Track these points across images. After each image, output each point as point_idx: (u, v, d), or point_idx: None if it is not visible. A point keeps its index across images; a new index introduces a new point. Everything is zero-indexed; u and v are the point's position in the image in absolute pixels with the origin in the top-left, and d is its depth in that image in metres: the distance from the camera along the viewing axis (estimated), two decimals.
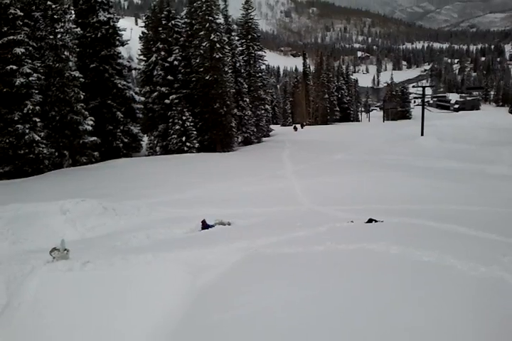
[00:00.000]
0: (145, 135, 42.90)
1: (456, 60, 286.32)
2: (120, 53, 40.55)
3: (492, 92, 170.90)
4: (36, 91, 29.94)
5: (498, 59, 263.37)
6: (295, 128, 70.33)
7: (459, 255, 7.34)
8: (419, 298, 6.06)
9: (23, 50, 28.91)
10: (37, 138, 29.04)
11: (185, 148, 38.41)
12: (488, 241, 9.29)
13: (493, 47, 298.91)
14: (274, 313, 6.11)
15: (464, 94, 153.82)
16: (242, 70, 50.55)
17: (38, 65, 31.00)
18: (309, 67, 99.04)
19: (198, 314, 6.56)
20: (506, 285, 6.25)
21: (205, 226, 13.88)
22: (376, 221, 12.10)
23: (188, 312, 6.65)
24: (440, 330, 5.17)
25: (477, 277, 6.51)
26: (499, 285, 6.26)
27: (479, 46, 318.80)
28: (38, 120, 29.62)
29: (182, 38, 41.93)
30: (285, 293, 6.72)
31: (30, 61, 29.80)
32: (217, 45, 40.35)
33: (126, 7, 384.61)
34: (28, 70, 29.15)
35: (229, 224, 14.46)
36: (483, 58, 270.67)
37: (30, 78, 29.18)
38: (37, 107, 29.55)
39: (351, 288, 6.65)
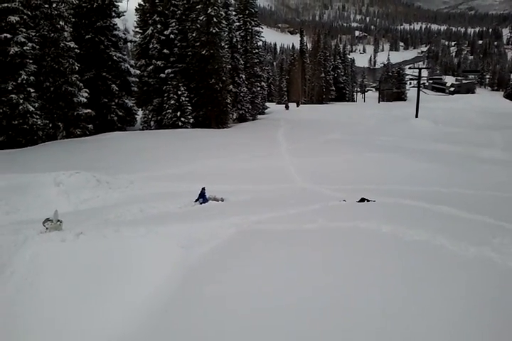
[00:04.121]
0: (140, 109, 42.54)
1: (453, 43, 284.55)
2: (116, 25, 39.94)
3: (488, 76, 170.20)
4: (31, 61, 29.42)
5: (496, 43, 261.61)
6: (287, 107, 66.35)
7: (450, 235, 7.44)
8: (409, 275, 6.16)
9: (17, 19, 28.36)
10: (31, 108, 28.72)
11: (180, 123, 38.17)
12: (479, 223, 9.41)
13: (490, 30, 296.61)
14: (266, 288, 6.20)
15: (459, 77, 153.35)
16: (239, 46, 49.88)
17: (33, 34, 30.38)
18: (306, 45, 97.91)
19: (191, 286, 6.64)
20: (494, 265, 6.36)
21: (202, 194, 13.97)
22: (368, 200, 12.21)
23: (180, 284, 6.73)
24: (427, 305, 5.27)
25: (467, 257, 6.62)
26: (488, 265, 6.37)
27: (477, 29, 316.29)
28: (32, 90, 29.23)
29: (179, 11, 41.21)
30: (276, 270, 6.80)
31: (24, 30, 29.21)
32: (214, 20, 39.76)
33: None
34: (23, 39, 28.64)
35: (222, 200, 14.55)
36: (480, 41, 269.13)
37: (25, 47, 28.66)
38: (31, 77, 29.14)
39: (341, 264, 6.74)
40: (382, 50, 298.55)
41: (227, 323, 5.46)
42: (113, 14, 39.27)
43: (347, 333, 4.91)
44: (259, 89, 54.14)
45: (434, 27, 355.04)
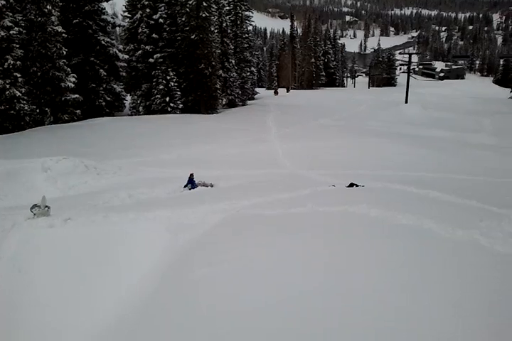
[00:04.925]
0: (128, 94, 42.23)
1: (443, 28, 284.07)
2: (104, 9, 39.35)
3: (477, 62, 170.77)
4: (17, 46, 28.99)
5: (486, 28, 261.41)
6: (276, 93, 66.40)
7: (438, 219, 7.48)
8: (396, 258, 6.19)
9: (3, 2, 27.87)
10: (18, 93, 28.41)
11: (169, 109, 37.96)
12: (467, 207, 9.47)
13: (481, 15, 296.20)
14: (254, 270, 6.21)
15: (449, 63, 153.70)
16: (229, 31, 49.47)
17: (20, 18, 29.91)
18: (297, 30, 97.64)
19: (180, 270, 6.64)
20: (480, 247, 6.41)
21: (190, 180, 13.93)
22: (357, 185, 12.24)
23: (170, 268, 6.74)
24: (415, 287, 5.30)
25: (454, 240, 6.67)
26: (474, 247, 6.42)
27: (467, 14, 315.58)
28: (18, 75, 28.86)
29: None
30: (264, 252, 6.82)
31: (11, 14, 28.75)
32: (204, 4, 39.37)
33: None
34: (9, 23, 28.19)
35: (211, 185, 14.53)
36: (470, 27, 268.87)
37: (11, 32, 28.24)
38: (18, 62, 28.73)
39: (330, 249, 6.75)
40: (373, 35, 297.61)
41: (217, 305, 5.48)
42: None
43: (342, 326, 4.92)
44: (248, 74, 53.95)
45: (425, 12, 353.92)
